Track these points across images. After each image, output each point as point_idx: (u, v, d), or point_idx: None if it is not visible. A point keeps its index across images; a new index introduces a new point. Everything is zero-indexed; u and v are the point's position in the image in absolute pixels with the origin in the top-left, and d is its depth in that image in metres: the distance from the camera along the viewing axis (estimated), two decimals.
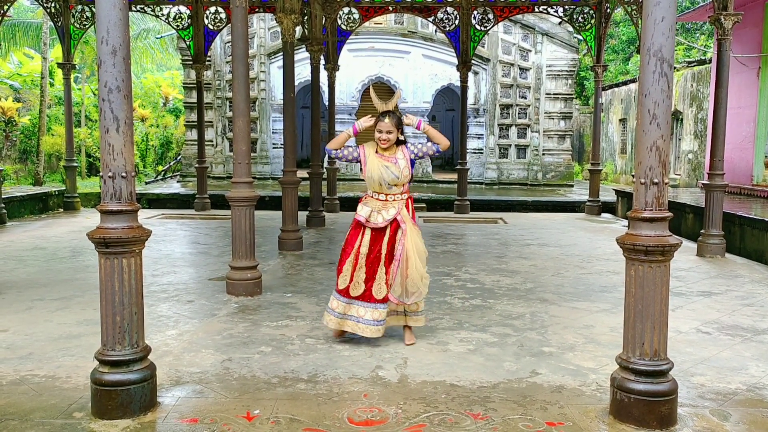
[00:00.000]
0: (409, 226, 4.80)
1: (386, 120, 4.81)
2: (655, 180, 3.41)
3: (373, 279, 4.77)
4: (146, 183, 20.22)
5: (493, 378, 4.25)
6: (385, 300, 4.75)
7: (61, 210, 13.92)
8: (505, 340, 5.08)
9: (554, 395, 3.97)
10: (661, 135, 3.41)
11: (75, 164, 13.98)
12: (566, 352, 4.80)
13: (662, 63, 3.39)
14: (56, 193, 14.36)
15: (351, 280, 4.78)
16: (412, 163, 4.90)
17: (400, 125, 4.87)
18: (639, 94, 3.47)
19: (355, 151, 4.92)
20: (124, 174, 3.49)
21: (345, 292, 4.81)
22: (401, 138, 4.91)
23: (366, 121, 4.86)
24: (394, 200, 4.83)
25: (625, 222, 12.40)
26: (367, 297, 4.77)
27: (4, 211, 11.68)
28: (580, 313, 5.94)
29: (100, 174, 3.56)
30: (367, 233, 4.80)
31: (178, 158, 22.55)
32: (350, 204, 15.14)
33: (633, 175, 12.02)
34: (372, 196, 4.86)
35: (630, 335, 3.54)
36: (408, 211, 4.86)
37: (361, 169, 4.91)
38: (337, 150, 4.94)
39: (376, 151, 4.88)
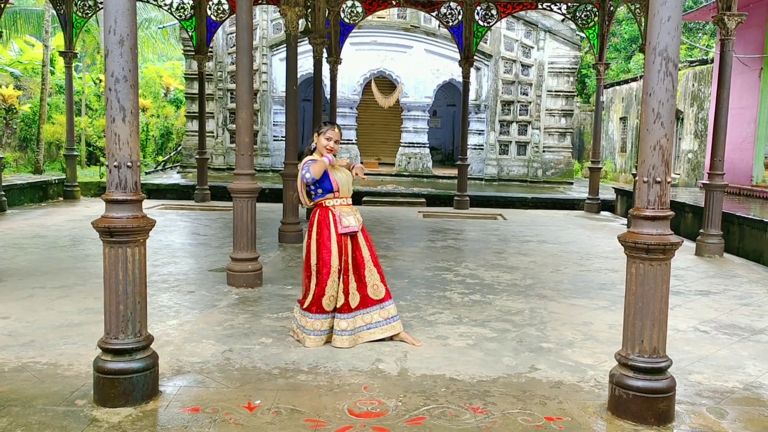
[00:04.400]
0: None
1: (336, 130, 4.86)
2: (658, 179, 3.43)
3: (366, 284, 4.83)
4: (146, 173, 20.21)
5: (492, 372, 4.28)
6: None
7: (61, 198, 13.93)
8: (505, 336, 5.11)
9: (553, 390, 4.01)
10: (665, 134, 3.43)
11: (75, 153, 13.98)
12: (565, 348, 4.83)
13: (667, 62, 3.41)
14: (56, 181, 14.36)
15: (346, 293, 4.77)
16: None
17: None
18: (643, 93, 3.49)
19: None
20: (129, 164, 3.51)
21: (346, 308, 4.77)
22: None
23: (339, 160, 4.87)
24: (351, 203, 4.92)
25: (624, 220, 12.44)
26: (369, 302, 4.82)
27: (4, 198, 11.68)
28: (579, 309, 5.97)
29: (106, 163, 3.57)
30: (342, 243, 4.76)
31: (179, 149, 22.54)
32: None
33: (633, 174, 11.97)
34: (341, 204, 4.81)
35: (630, 332, 3.57)
36: None
37: (314, 184, 4.74)
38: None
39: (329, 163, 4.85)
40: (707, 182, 8.96)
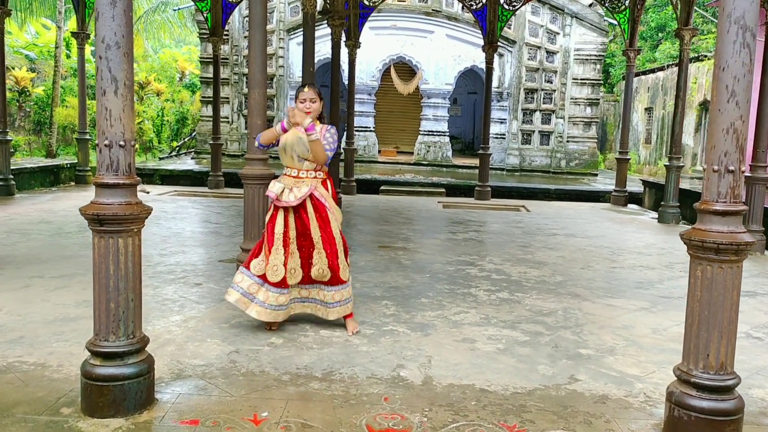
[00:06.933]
0: (330, 207, 4.54)
1: (306, 89, 4.49)
2: (731, 167, 2.94)
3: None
4: (160, 159, 19.88)
5: (527, 383, 3.82)
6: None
7: (73, 183, 13.63)
8: (538, 339, 4.64)
9: (598, 406, 3.54)
10: (740, 115, 2.94)
11: (88, 137, 13.62)
12: (606, 356, 4.37)
13: (745, 32, 2.92)
14: (68, 165, 14.04)
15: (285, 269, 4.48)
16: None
17: (322, 97, 4.58)
18: (715, 68, 3.01)
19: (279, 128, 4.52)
20: (122, 142, 3.08)
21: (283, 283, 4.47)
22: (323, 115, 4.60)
23: (292, 117, 4.39)
24: (306, 178, 4.48)
25: (654, 214, 11.89)
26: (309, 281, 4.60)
27: (13, 182, 11.36)
28: (617, 311, 5.49)
29: (97, 142, 3.15)
30: (284, 214, 4.48)
31: (193, 134, 22.18)
32: (368, 186, 14.74)
33: (666, 165, 11.22)
34: (285, 173, 4.55)
35: (693, 345, 3.09)
36: (327, 190, 4.56)
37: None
38: (267, 145, 4.63)
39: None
40: (748, 174, 8.39)
